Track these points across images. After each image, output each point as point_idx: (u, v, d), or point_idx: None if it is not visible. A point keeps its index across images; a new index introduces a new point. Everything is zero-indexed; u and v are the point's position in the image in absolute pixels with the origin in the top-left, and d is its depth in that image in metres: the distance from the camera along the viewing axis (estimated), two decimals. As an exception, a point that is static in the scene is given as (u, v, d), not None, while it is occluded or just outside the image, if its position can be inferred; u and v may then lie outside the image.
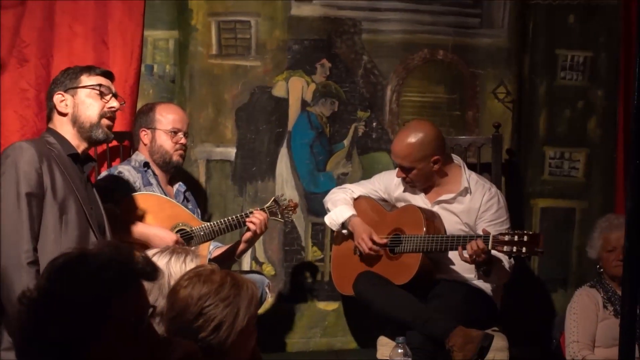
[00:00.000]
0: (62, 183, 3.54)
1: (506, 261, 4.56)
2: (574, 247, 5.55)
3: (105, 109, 3.71)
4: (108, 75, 3.81)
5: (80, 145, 3.71)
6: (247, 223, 4.51)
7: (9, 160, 3.50)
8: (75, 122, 3.69)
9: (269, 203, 4.68)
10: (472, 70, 5.42)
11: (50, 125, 3.74)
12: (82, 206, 3.58)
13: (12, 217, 3.43)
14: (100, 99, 3.71)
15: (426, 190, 4.77)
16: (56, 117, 3.72)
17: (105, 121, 3.72)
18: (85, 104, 3.70)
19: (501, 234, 4.37)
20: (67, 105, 3.70)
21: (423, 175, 4.68)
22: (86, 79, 3.73)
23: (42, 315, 1.93)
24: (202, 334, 2.55)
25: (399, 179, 4.83)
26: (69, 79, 3.73)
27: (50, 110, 3.75)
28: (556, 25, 5.48)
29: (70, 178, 3.58)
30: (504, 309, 4.85)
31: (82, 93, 3.71)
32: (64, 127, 3.71)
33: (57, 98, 3.71)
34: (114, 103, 3.75)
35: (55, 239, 3.48)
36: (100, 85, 3.72)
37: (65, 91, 3.71)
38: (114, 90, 3.78)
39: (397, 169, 4.75)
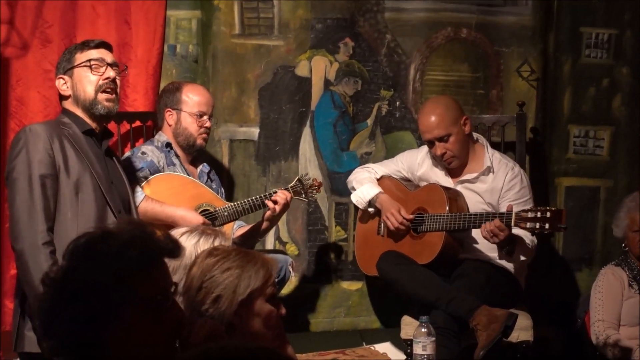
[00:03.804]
0: (75, 161, 3.60)
1: (529, 240, 4.54)
2: (598, 226, 5.51)
3: (101, 82, 3.74)
4: (102, 45, 3.82)
5: (92, 123, 3.77)
6: (267, 203, 4.48)
7: (20, 144, 3.58)
8: (78, 102, 3.75)
9: (293, 182, 4.64)
10: (496, 49, 5.38)
11: (64, 106, 3.80)
12: (99, 183, 3.61)
13: (25, 200, 3.50)
14: (93, 73, 3.74)
15: (450, 170, 4.76)
16: (63, 100, 3.80)
17: (103, 95, 3.75)
18: (82, 82, 3.74)
19: (524, 210, 4.34)
20: (67, 87, 3.76)
21: (460, 141, 4.64)
22: (79, 56, 3.76)
23: (64, 295, 1.92)
24: (203, 307, 2.53)
25: (423, 158, 4.81)
26: (66, 61, 3.79)
27: (59, 94, 3.82)
28: (581, 3, 5.43)
29: (85, 155, 3.63)
30: (529, 288, 4.83)
31: (77, 72, 3.74)
32: (73, 108, 3.77)
33: (58, 83, 3.79)
34: (110, 73, 3.76)
35: (72, 217, 3.55)
36: (90, 60, 3.74)
37: (64, 73, 3.77)
38: (109, 59, 3.80)
39: (432, 148, 4.67)
